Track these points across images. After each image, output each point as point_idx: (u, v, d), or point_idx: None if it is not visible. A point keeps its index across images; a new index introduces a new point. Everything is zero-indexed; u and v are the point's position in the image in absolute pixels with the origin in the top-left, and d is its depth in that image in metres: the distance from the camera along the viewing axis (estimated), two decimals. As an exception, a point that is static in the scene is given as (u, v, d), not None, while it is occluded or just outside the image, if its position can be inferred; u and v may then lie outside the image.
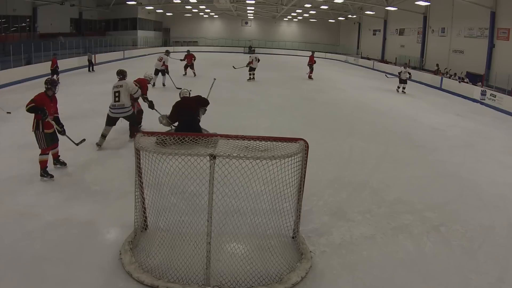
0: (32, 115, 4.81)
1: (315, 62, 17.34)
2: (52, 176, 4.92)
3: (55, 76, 13.25)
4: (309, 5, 30.07)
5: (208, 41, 37.70)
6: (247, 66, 15.27)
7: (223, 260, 3.26)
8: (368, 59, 28.95)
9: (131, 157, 3.84)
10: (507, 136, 9.13)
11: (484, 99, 13.73)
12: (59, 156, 5.35)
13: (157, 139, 3.31)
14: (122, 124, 6.85)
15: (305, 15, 35.42)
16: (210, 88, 7.27)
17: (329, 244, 3.75)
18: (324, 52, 33.41)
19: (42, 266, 3.18)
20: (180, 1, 30.49)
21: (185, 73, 15.78)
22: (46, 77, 5.85)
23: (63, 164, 5.36)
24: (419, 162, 6.54)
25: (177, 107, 5.44)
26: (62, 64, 14.59)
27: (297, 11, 32.50)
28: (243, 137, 3.27)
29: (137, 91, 6.51)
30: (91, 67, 17.70)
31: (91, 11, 30.59)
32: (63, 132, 5.14)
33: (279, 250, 3.40)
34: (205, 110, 5.90)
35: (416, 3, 19.96)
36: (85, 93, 11.52)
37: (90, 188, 4.78)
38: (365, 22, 33.19)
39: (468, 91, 15.00)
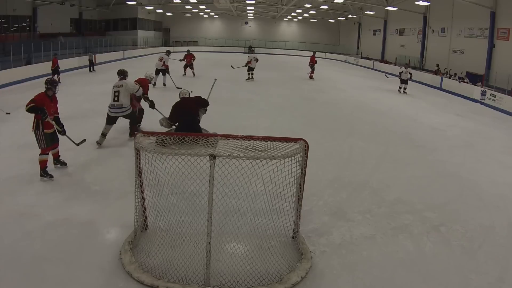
0: (32, 115, 4.81)
1: (316, 62, 17.32)
2: (51, 176, 4.92)
3: (56, 76, 13.28)
4: (309, 5, 30.07)
5: (208, 41, 37.70)
6: (245, 66, 15.27)
7: (223, 260, 3.26)
8: (368, 59, 28.95)
9: (131, 157, 3.83)
10: (507, 136, 9.13)
11: (484, 99, 13.73)
12: (59, 156, 5.35)
13: (157, 139, 3.31)
14: (122, 124, 6.85)
15: (305, 15, 35.42)
16: (211, 89, 7.26)
17: (329, 244, 3.75)
18: (324, 52, 33.40)
19: (42, 266, 3.18)
20: (180, 1, 30.49)
21: (185, 73, 15.77)
22: (46, 77, 5.86)
23: (64, 164, 5.36)
24: (419, 162, 6.54)
25: (176, 107, 5.44)
26: (62, 64, 14.59)
27: (297, 11, 32.51)
28: (243, 137, 3.27)
29: (138, 89, 6.61)
30: (92, 67, 17.73)
31: (91, 11, 30.59)
32: (63, 132, 5.14)
33: (279, 250, 3.40)
34: (206, 110, 5.90)
35: (416, 3, 19.96)
36: (85, 93, 11.53)
37: (90, 188, 4.78)
38: (365, 22, 33.19)
39: (468, 91, 15.00)
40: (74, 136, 5.47)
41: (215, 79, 7.85)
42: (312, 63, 17.22)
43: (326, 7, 29.00)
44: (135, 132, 3.57)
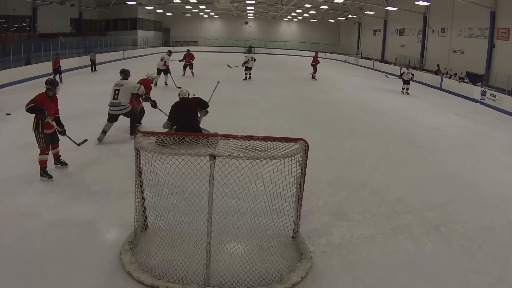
0: (32, 115, 4.81)
1: (318, 62, 17.32)
2: (51, 177, 4.92)
3: (57, 76, 13.33)
4: (309, 5, 30.08)
5: (208, 41, 37.71)
6: (242, 65, 15.25)
7: (223, 260, 3.26)
8: (368, 59, 28.95)
9: (131, 157, 3.83)
10: (507, 136, 9.14)
11: (484, 99, 13.73)
12: (60, 156, 5.35)
13: (157, 139, 3.31)
14: (122, 123, 6.86)
15: (305, 15, 35.43)
16: (213, 92, 7.17)
17: (329, 244, 3.75)
18: (324, 52, 33.38)
19: (42, 266, 3.18)
20: (180, 1, 30.50)
21: (184, 73, 15.74)
22: (46, 77, 5.86)
23: (64, 164, 5.36)
24: (419, 162, 6.54)
25: (176, 107, 5.43)
26: (62, 64, 14.60)
27: (297, 11, 32.52)
28: (243, 137, 3.27)
29: (139, 87, 6.72)
30: (93, 67, 17.78)
31: (91, 11, 30.59)
32: (63, 133, 5.15)
33: (279, 250, 3.40)
34: (206, 112, 5.87)
35: (416, 3, 19.96)
36: (85, 93, 11.53)
37: (90, 188, 4.78)
38: (365, 22, 33.20)
39: (468, 91, 15.00)
40: (74, 136, 5.47)
41: (218, 82, 7.73)
42: (315, 63, 17.22)
43: (326, 7, 29.01)
44: (136, 131, 3.57)
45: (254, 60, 15.32)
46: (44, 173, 4.91)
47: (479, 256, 3.69)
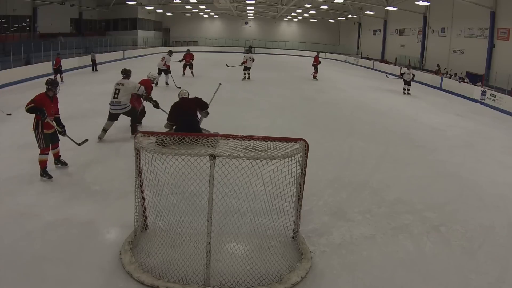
0: (33, 115, 4.81)
1: (319, 62, 17.33)
2: (51, 177, 4.92)
3: (58, 76, 13.34)
4: (309, 5, 30.09)
5: (208, 41, 37.71)
6: (241, 65, 15.25)
7: (223, 260, 3.26)
8: (368, 59, 28.96)
9: (131, 157, 3.83)
10: (507, 136, 9.14)
11: (484, 99, 13.73)
12: (60, 156, 5.34)
13: (157, 139, 3.31)
14: (123, 123, 6.86)
15: (305, 15, 35.43)
16: (214, 93, 7.10)
17: (329, 244, 3.75)
18: (324, 52, 33.37)
19: (42, 266, 3.18)
20: (180, 1, 30.50)
21: (184, 73, 15.72)
22: (46, 77, 5.86)
23: (64, 164, 5.36)
24: (419, 162, 6.54)
25: (175, 107, 5.42)
26: (62, 64, 14.59)
27: (297, 11, 32.52)
28: (243, 137, 3.27)
29: (139, 88, 6.75)
30: (94, 67, 17.81)
31: (91, 11, 30.59)
32: (63, 133, 5.15)
33: (279, 250, 3.40)
34: (207, 113, 5.86)
35: (416, 3, 19.96)
36: (85, 93, 11.53)
37: (90, 188, 4.78)
38: (365, 22, 33.19)
39: (468, 91, 15.01)
40: (75, 136, 5.47)
41: (220, 84, 7.61)
42: (316, 63, 17.23)
43: (326, 7, 29.01)
44: (136, 131, 3.57)
45: (253, 60, 15.31)
46: (44, 173, 4.91)
47: (479, 256, 3.69)
